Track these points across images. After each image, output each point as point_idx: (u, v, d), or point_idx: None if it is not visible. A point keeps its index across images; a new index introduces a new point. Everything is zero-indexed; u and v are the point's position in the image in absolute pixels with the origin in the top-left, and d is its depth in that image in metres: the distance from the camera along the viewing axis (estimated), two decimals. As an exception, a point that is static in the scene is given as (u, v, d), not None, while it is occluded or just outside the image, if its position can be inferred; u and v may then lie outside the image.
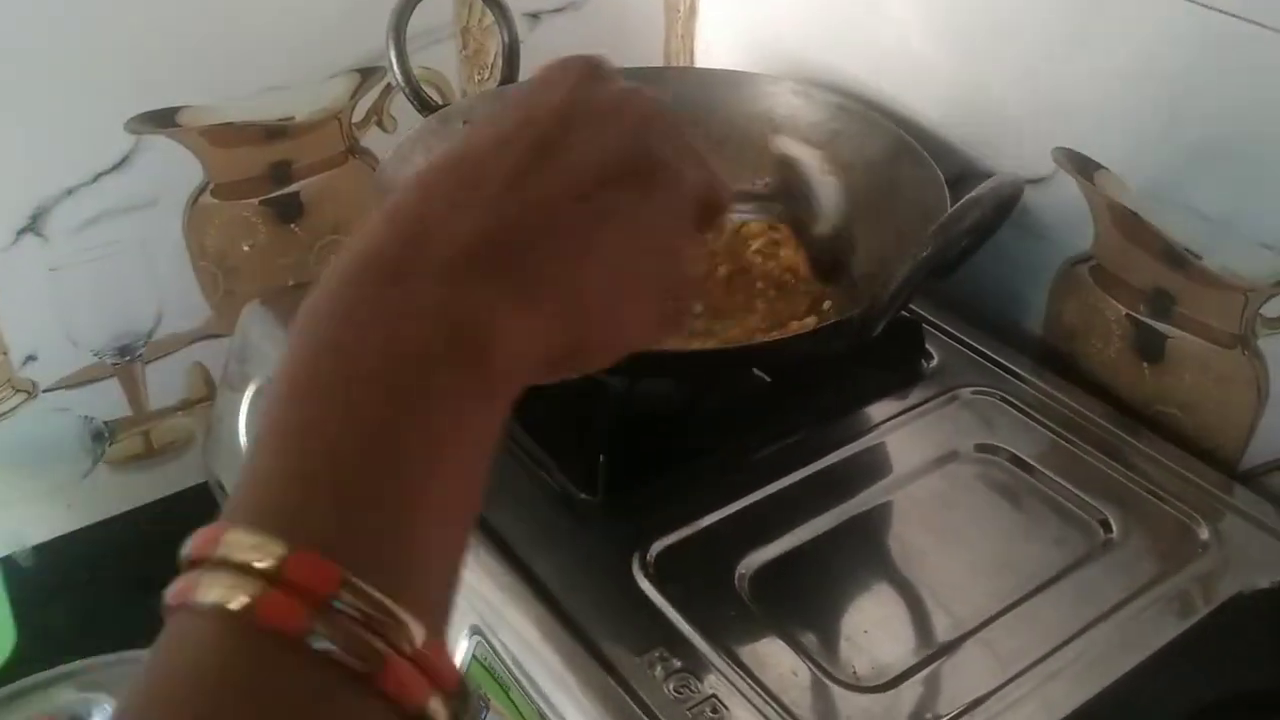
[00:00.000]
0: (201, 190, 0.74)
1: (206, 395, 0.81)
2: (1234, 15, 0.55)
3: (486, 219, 0.31)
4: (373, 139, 0.79)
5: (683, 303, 0.38)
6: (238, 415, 0.72)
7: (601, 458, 0.57)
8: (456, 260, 0.30)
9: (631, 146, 0.34)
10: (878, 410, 0.64)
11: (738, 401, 0.63)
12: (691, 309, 0.38)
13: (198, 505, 0.78)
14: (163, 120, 0.71)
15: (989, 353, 0.68)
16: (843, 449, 0.62)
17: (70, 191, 0.69)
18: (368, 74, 0.77)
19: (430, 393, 0.29)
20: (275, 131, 0.75)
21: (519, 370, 0.31)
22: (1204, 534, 0.56)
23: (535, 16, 0.82)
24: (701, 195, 0.35)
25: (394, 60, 0.71)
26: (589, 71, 0.36)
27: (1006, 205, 0.52)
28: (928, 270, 0.50)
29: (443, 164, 0.33)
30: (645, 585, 0.53)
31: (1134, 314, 0.65)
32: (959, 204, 0.51)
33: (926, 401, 0.65)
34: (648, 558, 0.54)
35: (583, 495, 0.58)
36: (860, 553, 0.56)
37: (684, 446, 0.61)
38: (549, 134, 0.33)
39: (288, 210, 0.78)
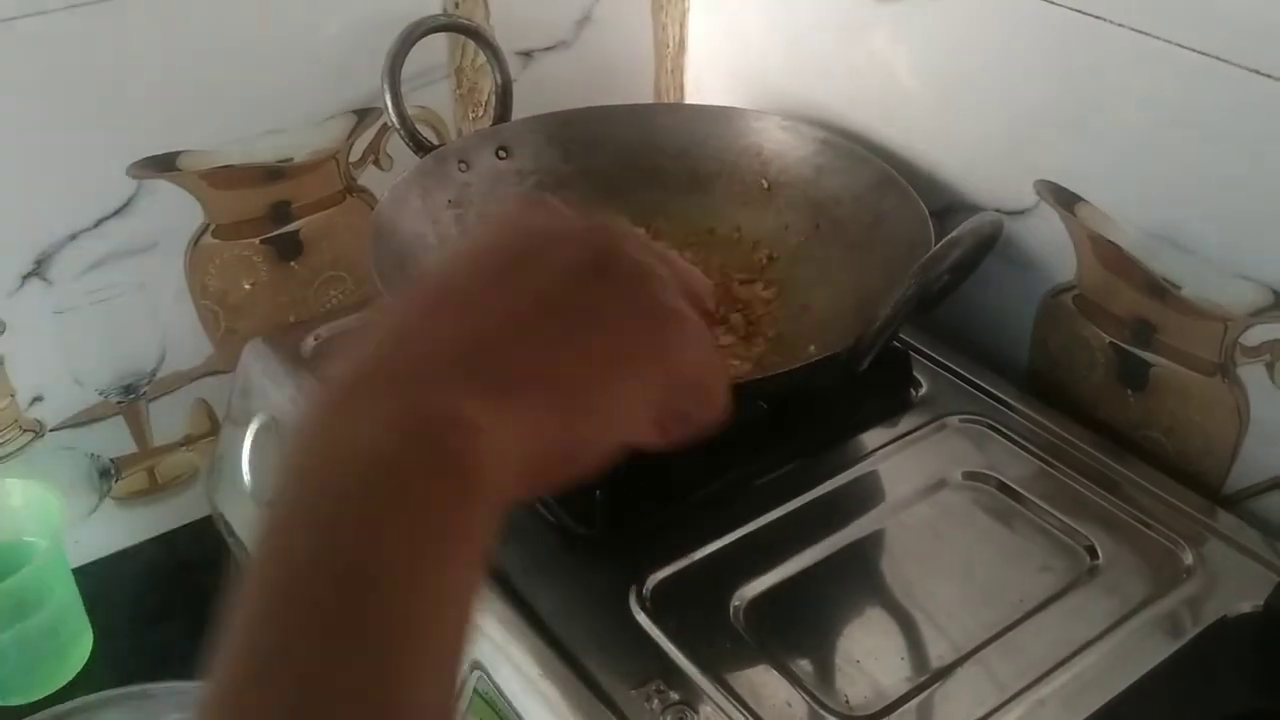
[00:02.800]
0: (202, 231, 0.75)
1: (210, 431, 0.82)
2: (1210, 55, 0.57)
3: (457, 326, 0.31)
4: (370, 178, 0.81)
5: (686, 404, 0.36)
6: (240, 450, 0.73)
7: (598, 493, 0.58)
8: (426, 367, 0.30)
9: (599, 251, 0.34)
10: (869, 439, 0.66)
11: (733, 432, 0.64)
12: (702, 415, 0.37)
13: (202, 539, 0.79)
14: (163, 165, 0.72)
15: (976, 380, 0.69)
16: (835, 478, 0.63)
17: (74, 236, 0.70)
18: (364, 115, 0.78)
19: (405, 503, 0.28)
20: (274, 173, 0.76)
21: (504, 474, 0.30)
22: (1188, 559, 0.58)
23: (528, 55, 0.84)
24: (679, 287, 0.35)
25: (389, 102, 0.73)
26: (549, 204, 0.37)
27: (987, 242, 0.53)
28: (911, 308, 0.52)
29: (418, 284, 0.33)
30: (642, 618, 0.54)
31: (1117, 342, 0.66)
32: (940, 244, 0.52)
33: (916, 430, 0.66)
34: (644, 591, 0.56)
35: (581, 530, 0.59)
36: (853, 582, 0.57)
37: (680, 479, 0.62)
38: (517, 248, 0.34)
39: (288, 249, 0.79)
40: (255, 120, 0.74)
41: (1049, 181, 0.67)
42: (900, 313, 0.52)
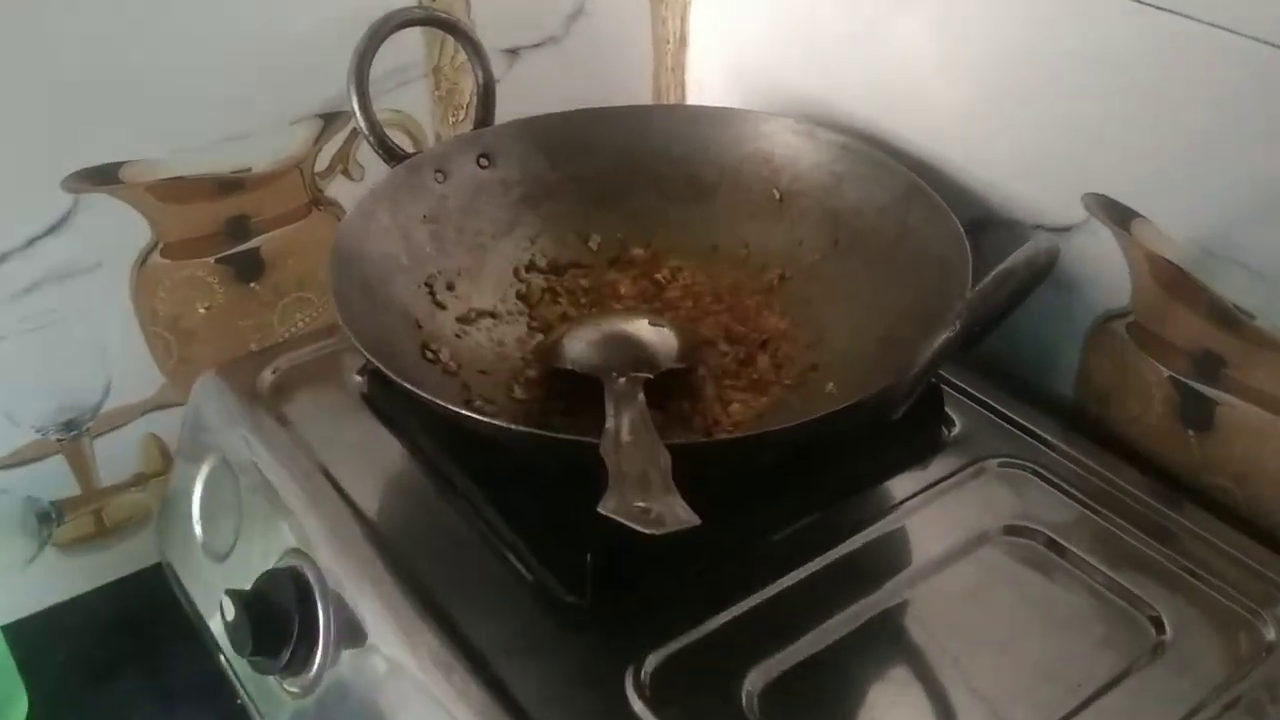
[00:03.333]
0: (150, 250, 0.68)
1: (163, 469, 0.74)
2: (1289, 48, 0.49)
3: None
4: (339, 189, 0.73)
5: None
6: (191, 497, 0.66)
7: (589, 556, 0.51)
8: None
9: None
10: (896, 486, 0.58)
11: (742, 480, 0.57)
12: None
13: (155, 587, 0.72)
14: (104, 177, 0.64)
15: (1016, 418, 0.62)
16: (858, 535, 0.55)
17: (2, 258, 0.63)
18: (331, 119, 0.71)
19: None
20: (230, 184, 0.69)
21: None
22: (1269, 633, 0.50)
23: (513, 53, 0.76)
24: None
25: (356, 105, 0.65)
26: None
27: (1042, 273, 0.46)
28: (955, 349, 0.44)
29: None
30: (639, 706, 0.47)
31: (1178, 376, 0.59)
32: (990, 277, 0.45)
33: (950, 476, 0.59)
34: (642, 673, 0.48)
35: (568, 598, 0.52)
36: (883, 661, 0.50)
37: (684, 536, 0.54)
38: None
39: (247, 268, 0.72)
40: (208, 126, 0.67)
41: (1100, 194, 0.59)
42: (943, 356, 0.44)
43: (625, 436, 0.46)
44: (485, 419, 0.48)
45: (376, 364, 0.51)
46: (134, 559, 0.75)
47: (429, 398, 0.49)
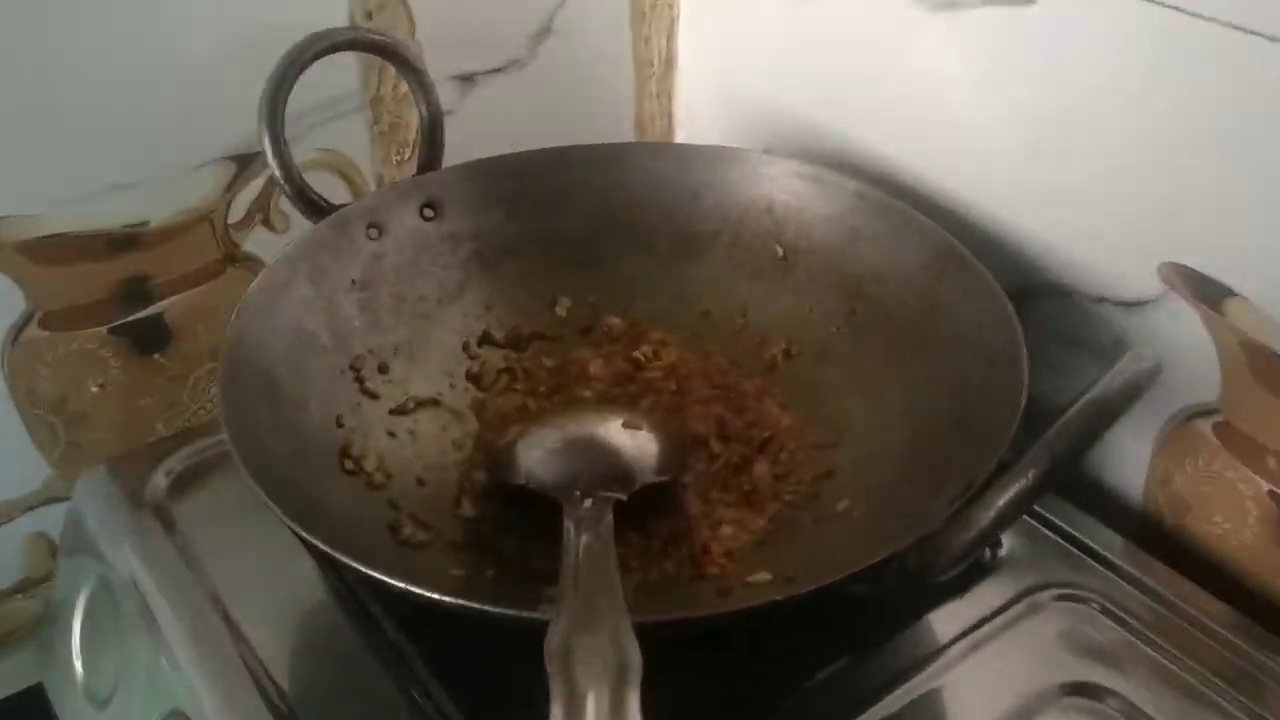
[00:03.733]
0: (25, 322, 0.57)
1: (53, 572, 0.63)
2: None
3: None
4: (259, 241, 0.62)
5: None
6: (73, 614, 0.55)
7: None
8: None
9: None
10: (929, 628, 0.47)
11: (742, 633, 0.45)
12: None
13: (46, 706, 0.61)
14: (-39, 236, 0.53)
15: (1075, 533, 0.51)
16: (884, 700, 0.44)
17: None
18: (246, 161, 0.60)
19: None
20: (123, 241, 0.58)
21: None
22: None
23: (468, 80, 0.65)
24: None
25: (269, 148, 0.54)
26: None
27: (1138, 395, 0.35)
28: (1028, 505, 0.33)
29: None
30: None
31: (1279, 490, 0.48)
32: (1076, 409, 0.34)
33: (995, 615, 0.47)
34: None
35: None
36: None
37: (673, 703, 0.43)
38: None
39: (149, 338, 0.61)
40: (92, 172, 0.56)
41: (1183, 265, 0.48)
42: (1014, 514, 0.33)
43: (581, 617, 0.34)
44: (399, 584, 0.37)
45: (269, 503, 0.40)
46: (20, 676, 0.64)
47: (332, 551, 0.38)
